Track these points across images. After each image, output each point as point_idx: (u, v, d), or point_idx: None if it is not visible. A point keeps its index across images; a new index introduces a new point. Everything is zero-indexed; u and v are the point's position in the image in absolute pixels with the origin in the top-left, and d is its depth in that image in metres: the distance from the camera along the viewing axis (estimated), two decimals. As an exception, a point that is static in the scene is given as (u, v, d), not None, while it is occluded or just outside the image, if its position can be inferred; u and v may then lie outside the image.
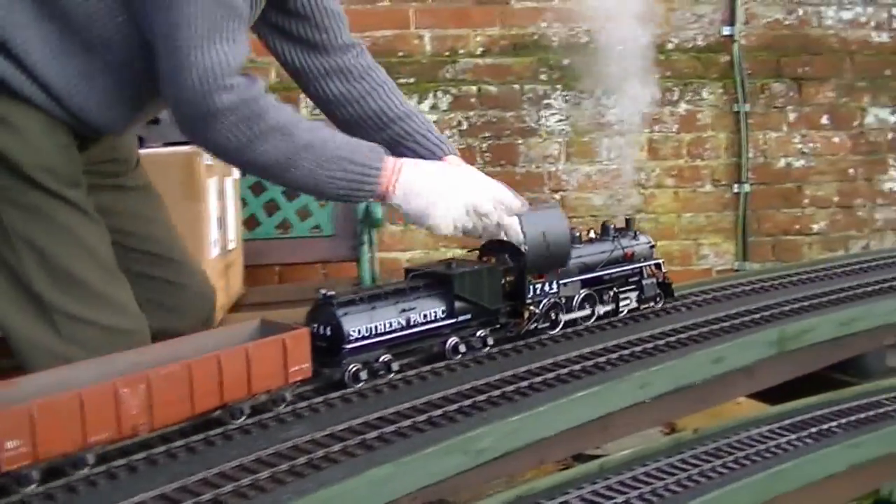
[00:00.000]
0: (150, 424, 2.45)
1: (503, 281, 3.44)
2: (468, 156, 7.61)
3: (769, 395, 4.93)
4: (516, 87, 7.68)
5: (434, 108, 7.57)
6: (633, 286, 4.00)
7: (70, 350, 3.05)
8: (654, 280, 4.11)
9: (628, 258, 3.98)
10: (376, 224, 6.62)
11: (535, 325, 3.63)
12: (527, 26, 7.71)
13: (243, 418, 2.69)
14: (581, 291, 3.74)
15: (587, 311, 3.79)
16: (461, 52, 7.65)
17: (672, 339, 3.75)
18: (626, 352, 3.55)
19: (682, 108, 7.97)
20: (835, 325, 4.47)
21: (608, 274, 3.90)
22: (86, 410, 2.29)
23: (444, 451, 2.77)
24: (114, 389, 2.33)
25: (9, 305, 3.09)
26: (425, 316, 3.25)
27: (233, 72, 2.98)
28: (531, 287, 3.56)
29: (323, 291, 3.05)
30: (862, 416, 4.53)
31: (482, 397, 3.01)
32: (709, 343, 3.81)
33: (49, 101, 3.04)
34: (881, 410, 4.66)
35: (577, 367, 3.34)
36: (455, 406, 2.94)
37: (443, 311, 3.27)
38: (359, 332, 3.02)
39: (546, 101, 7.73)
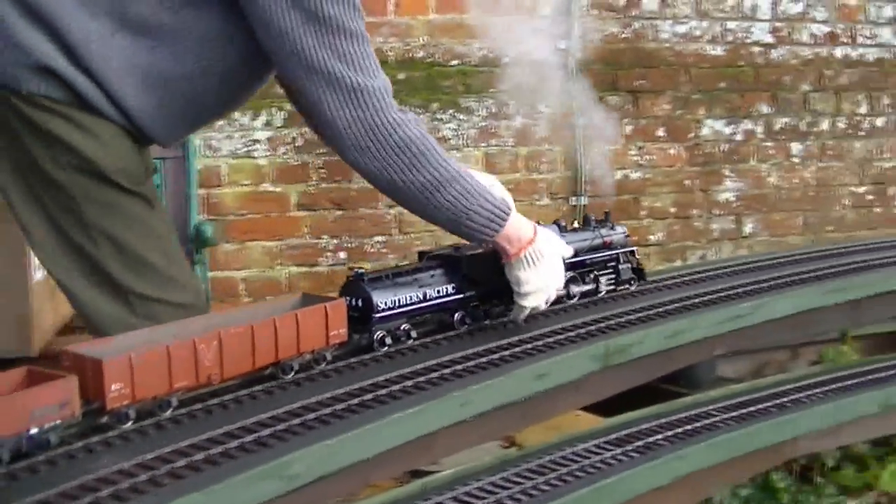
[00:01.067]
0: (221, 375, 3.12)
1: (502, 263, 4.08)
2: (302, 173, 7.65)
3: (606, 408, 5.07)
4: (352, 101, 7.69)
5: (268, 124, 7.54)
6: (610, 270, 4.83)
7: (144, 325, 3.42)
8: (629, 265, 4.93)
9: (607, 246, 4.79)
10: (208, 243, 6.59)
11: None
12: (363, 40, 7.74)
13: (292, 374, 3.36)
14: (566, 273, 4.40)
15: (572, 290, 4.61)
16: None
17: (496, 356, 3.82)
18: (448, 370, 3.60)
19: (519, 121, 8.11)
20: (660, 338, 4.60)
21: (589, 259, 4.71)
22: (172, 361, 2.95)
23: (257, 476, 2.79)
24: (193, 345, 2.98)
25: (90, 289, 3.58)
26: (439, 291, 4.00)
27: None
28: None
29: (356, 269, 3.81)
30: (689, 427, 4.70)
31: (297, 421, 3.04)
32: (533, 359, 3.89)
33: (124, 119, 3.55)
34: (708, 421, 4.85)
35: (397, 387, 3.38)
36: (269, 431, 2.96)
37: (453, 288, 4.01)
38: (385, 304, 3.74)
39: (382, 116, 7.76)
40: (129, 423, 2.95)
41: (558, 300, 4.44)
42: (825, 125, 9.12)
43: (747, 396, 5.31)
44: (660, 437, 4.41)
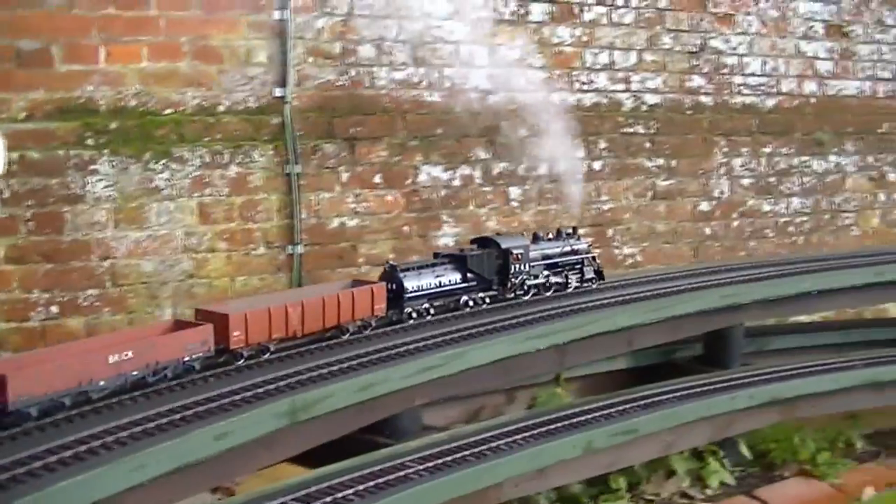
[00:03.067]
0: (302, 330, 5.34)
1: (497, 261, 6.56)
2: (10, 226, 7.59)
3: (319, 458, 5.29)
4: (61, 152, 7.73)
5: (-31, 175, 7.51)
6: (577, 270, 7.39)
7: None
8: (592, 267, 7.44)
9: (574, 252, 7.36)
10: None
11: (514, 291, 7.04)
12: (73, 90, 7.76)
13: (348, 335, 5.67)
14: (543, 272, 7.11)
15: (544, 281, 7.20)
16: (2, 116, 7.62)
17: (176, 416, 4.02)
18: (125, 433, 3.77)
19: (233, 170, 8.28)
20: (351, 392, 4.90)
21: (561, 261, 7.28)
22: (272, 319, 5.12)
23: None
24: (285, 309, 5.18)
25: None
26: (450, 280, 6.52)
27: None
28: (512, 266, 6.97)
29: (391, 262, 6.35)
30: (382, 480, 4.98)
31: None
32: (213, 419, 4.09)
33: None
34: (402, 473, 5.14)
35: (69, 453, 3.54)
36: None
37: (460, 278, 6.52)
38: (413, 288, 6.19)
39: (92, 167, 7.80)
40: (242, 361, 5.17)
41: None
42: (543, 169, 9.65)
43: (449, 445, 5.66)
44: (350, 491, 4.64)
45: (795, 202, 11.48)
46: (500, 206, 9.46)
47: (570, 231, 7.56)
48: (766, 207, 11.13)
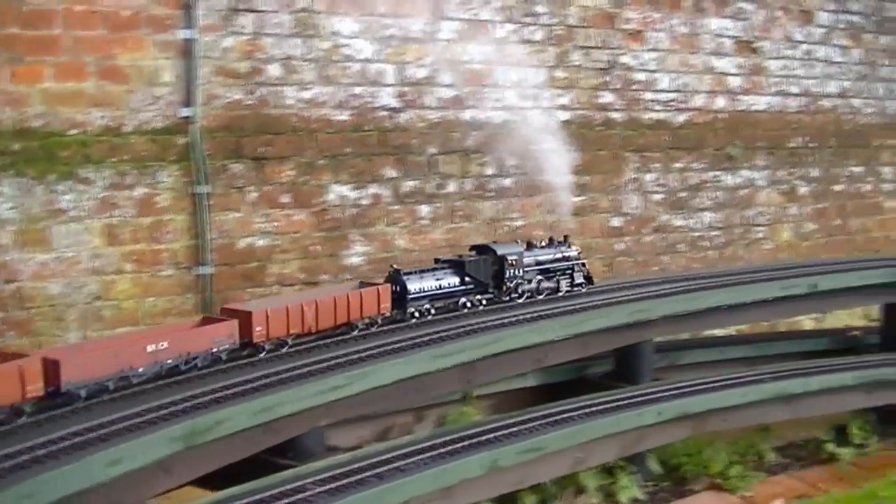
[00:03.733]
0: (316, 326, 6.43)
1: (492, 267, 7.62)
2: None
3: (227, 480, 5.33)
4: (-41, 174, 7.71)
5: None
6: (567, 275, 8.31)
7: None
8: (581, 273, 8.44)
9: (565, 259, 8.33)
10: None
11: (509, 294, 7.92)
12: (-26, 111, 7.79)
13: (356, 331, 6.65)
14: (537, 276, 8.12)
15: (537, 286, 8.06)
16: None
17: (67, 443, 4.06)
18: (13, 461, 3.81)
19: (140, 191, 8.31)
20: (251, 414, 4.96)
21: (553, 267, 8.25)
22: (290, 316, 6.19)
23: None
24: (301, 307, 6.32)
25: None
26: (449, 284, 7.45)
27: None
28: (507, 272, 7.90)
29: (394, 267, 7.28)
30: (283, 502, 5.06)
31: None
32: (104, 445, 4.14)
33: None
34: (303, 495, 5.22)
35: None
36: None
37: (458, 282, 7.49)
38: (416, 290, 7.09)
39: (-6, 189, 7.82)
40: (264, 353, 6.14)
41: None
42: (453, 187, 9.80)
43: (352, 465, 5.74)
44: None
45: (708, 217, 11.72)
46: (410, 225, 9.59)
47: (562, 240, 8.46)
48: (679, 222, 11.36)
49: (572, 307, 7.91)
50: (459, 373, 7.04)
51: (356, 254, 9.28)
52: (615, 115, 10.87)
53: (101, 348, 5.48)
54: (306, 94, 9.06)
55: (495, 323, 7.28)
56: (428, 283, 7.47)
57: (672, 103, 11.35)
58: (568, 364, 8.58)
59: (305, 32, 9.03)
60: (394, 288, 7.27)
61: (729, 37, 11.94)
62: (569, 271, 8.38)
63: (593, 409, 7.56)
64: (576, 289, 8.32)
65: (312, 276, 9.03)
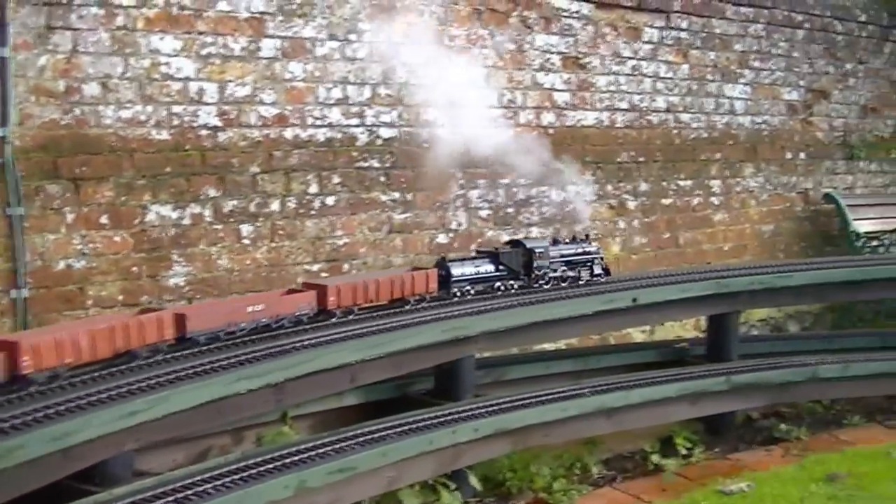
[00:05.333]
0: (377, 299, 8.48)
1: (522, 258, 9.46)
2: None
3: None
4: None
5: None
6: (588, 267, 10.03)
7: None
8: (600, 266, 10.19)
9: (585, 253, 10.05)
10: None
11: (537, 280, 9.71)
12: None
13: (410, 304, 8.76)
14: (561, 267, 9.84)
15: (561, 274, 9.89)
16: None
17: None
18: None
19: (-51, 213, 8.41)
20: (45, 442, 5.14)
21: (575, 259, 9.96)
22: (357, 290, 8.29)
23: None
24: (365, 283, 8.42)
25: None
26: (486, 270, 9.37)
27: None
28: (535, 262, 9.68)
29: (441, 256, 9.64)
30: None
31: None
32: None
33: None
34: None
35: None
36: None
37: (494, 269, 9.39)
38: (458, 274, 9.07)
39: None
40: (335, 318, 8.13)
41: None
42: (275, 206, 10.13)
43: (155, 490, 5.93)
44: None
45: (535, 232, 12.22)
46: (232, 245, 9.87)
47: (584, 237, 10.52)
48: (506, 237, 11.83)
49: (386, 326, 8.24)
50: (269, 394, 7.29)
51: (177, 274, 9.51)
52: (440, 132, 11.23)
53: (217, 307, 7.92)
54: (125, 114, 9.24)
55: (306, 343, 7.57)
56: (468, 270, 9.46)
57: (499, 120, 11.78)
58: (389, 381, 8.92)
59: (124, 51, 9.20)
60: (440, 272, 9.22)
61: (556, 53, 12.45)
62: (588, 264, 10.33)
63: (408, 427, 7.90)
64: (595, 278, 10.30)
65: (133, 297, 9.21)
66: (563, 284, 9.94)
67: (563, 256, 10.09)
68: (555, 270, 9.99)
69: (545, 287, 9.78)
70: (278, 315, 7.84)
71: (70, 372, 6.19)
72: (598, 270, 10.36)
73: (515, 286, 9.66)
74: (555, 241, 10.23)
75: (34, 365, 5.82)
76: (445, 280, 9.25)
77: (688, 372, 10.68)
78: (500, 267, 9.63)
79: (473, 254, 10.15)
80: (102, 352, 6.51)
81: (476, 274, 9.42)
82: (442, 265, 9.30)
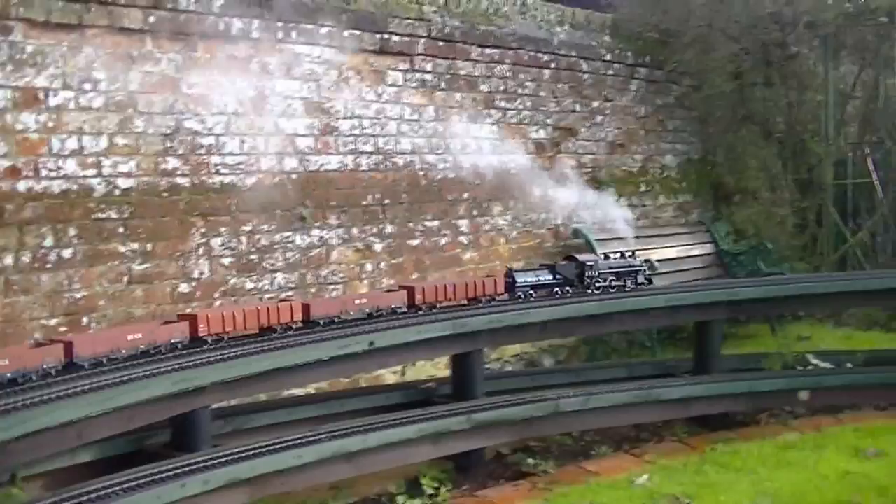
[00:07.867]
0: (455, 298, 12.09)
1: (575, 269, 13.02)
2: None
3: None
4: None
5: None
6: (633, 277, 13.49)
7: None
8: (644, 276, 13.60)
9: (630, 266, 13.48)
10: None
11: (589, 287, 13.07)
12: None
13: (481, 304, 12.30)
14: (610, 277, 13.28)
15: (609, 283, 13.28)
16: None
17: None
18: None
19: None
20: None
21: (621, 271, 13.43)
22: (437, 290, 11.87)
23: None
24: (444, 285, 12.01)
25: None
26: (545, 279, 12.94)
27: None
28: (587, 272, 13.11)
29: (509, 266, 13.51)
30: None
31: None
32: None
33: None
34: None
35: None
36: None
37: (551, 278, 12.95)
38: (521, 281, 12.65)
39: None
40: (421, 311, 11.67)
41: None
42: (9, 260, 10.29)
43: None
44: None
45: (280, 278, 12.69)
46: (-26, 300, 10.01)
47: (630, 253, 13.78)
48: (250, 285, 12.28)
49: (113, 380, 8.43)
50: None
51: None
52: (181, 181, 11.61)
53: (333, 301, 11.50)
54: None
55: (32, 401, 7.68)
56: (530, 278, 12.78)
57: (240, 167, 12.24)
58: (126, 435, 9.07)
59: None
60: (507, 279, 12.53)
61: (298, 98, 12.94)
62: (634, 274, 13.50)
63: (139, 482, 8.13)
64: (640, 285, 13.49)
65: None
66: (612, 290, 13.18)
67: (611, 269, 13.34)
68: (604, 280, 13.18)
69: (596, 293, 13.06)
70: (378, 307, 11.22)
71: None
72: (641, 280, 13.56)
73: (569, 291, 12.91)
74: (606, 257, 13.69)
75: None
76: (511, 285, 12.57)
77: (430, 412, 11.20)
78: (557, 276, 12.95)
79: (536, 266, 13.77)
80: None
81: (537, 281, 12.77)
82: (509, 274, 12.69)
